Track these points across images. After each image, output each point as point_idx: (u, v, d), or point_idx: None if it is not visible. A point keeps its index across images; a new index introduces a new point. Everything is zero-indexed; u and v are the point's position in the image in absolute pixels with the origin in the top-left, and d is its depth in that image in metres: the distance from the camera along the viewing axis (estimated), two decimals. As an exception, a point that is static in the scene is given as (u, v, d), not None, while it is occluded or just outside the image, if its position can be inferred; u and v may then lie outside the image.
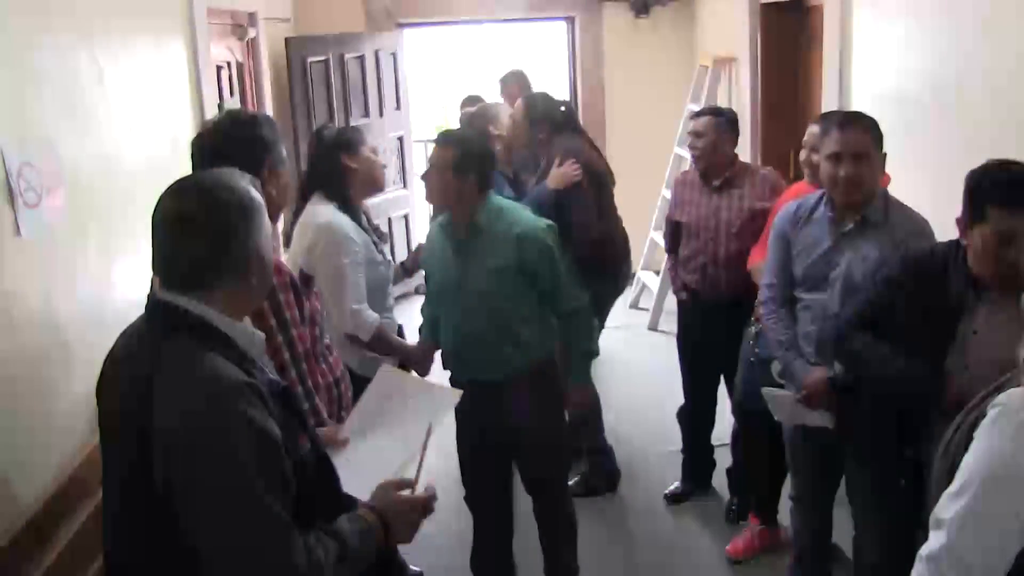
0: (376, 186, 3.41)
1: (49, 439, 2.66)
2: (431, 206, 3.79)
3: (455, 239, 3.13)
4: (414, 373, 2.80)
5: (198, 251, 1.65)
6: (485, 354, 3.12)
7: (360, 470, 2.13)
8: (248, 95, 5.73)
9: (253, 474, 1.55)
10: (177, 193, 1.70)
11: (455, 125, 4.89)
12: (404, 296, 7.04)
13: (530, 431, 3.18)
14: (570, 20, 7.53)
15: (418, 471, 2.00)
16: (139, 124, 3.59)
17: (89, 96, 3.16)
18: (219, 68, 5.15)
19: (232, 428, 1.55)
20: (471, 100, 5.96)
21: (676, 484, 4.33)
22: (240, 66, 5.59)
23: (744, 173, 3.92)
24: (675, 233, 4.08)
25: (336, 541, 1.68)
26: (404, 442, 2.24)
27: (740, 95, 6.00)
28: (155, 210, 1.67)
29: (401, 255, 6.93)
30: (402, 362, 3.27)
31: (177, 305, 1.66)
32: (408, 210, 7.47)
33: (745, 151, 5.63)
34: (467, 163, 3.01)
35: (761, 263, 3.28)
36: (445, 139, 3.11)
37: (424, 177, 3.12)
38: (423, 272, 3.53)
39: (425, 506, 1.91)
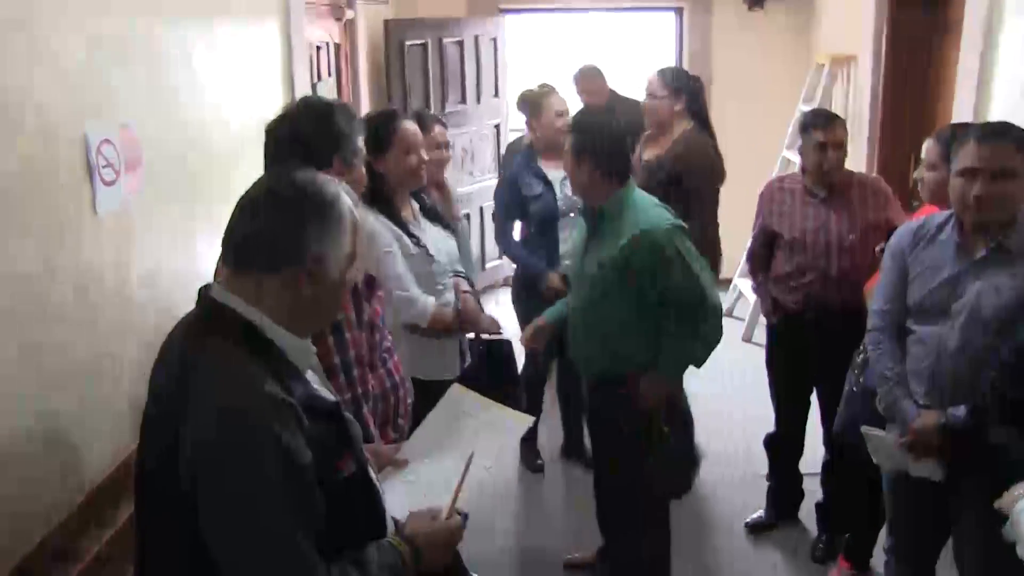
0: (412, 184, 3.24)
1: (113, 423, 2.59)
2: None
3: (588, 225, 3.16)
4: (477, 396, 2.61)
5: (251, 230, 1.60)
6: (582, 346, 3.18)
7: (420, 492, 2.04)
8: (344, 77, 5.64)
9: (277, 498, 1.47)
10: (264, 178, 1.70)
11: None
12: (491, 287, 6.90)
13: (600, 445, 3.23)
14: (679, 11, 7.26)
15: (454, 497, 1.88)
16: (227, 106, 3.52)
17: (175, 77, 3.09)
18: (317, 49, 5.07)
19: (259, 448, 1.47)
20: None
21: (760, 512, 4.07)
22: (337, 48, 5.49)
23: (852, 183, 3.63)
24: (768, 245, 3.79)
25: (360, 572, 1.60)
26: (468, 460, 2.11)
27: (858, 98, 5.64)
28: (243, 194, 1.66)
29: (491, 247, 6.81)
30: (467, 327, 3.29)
31: (227, 304, 1.59)
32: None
33: (859, 162, 5.28)
34: (584, 149, 3.00)
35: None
36: (572, 124, 3.17)
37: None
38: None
39: (455, 532, 1.83)
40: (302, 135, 2.30)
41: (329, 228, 1.62)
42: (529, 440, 4.63)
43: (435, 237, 3.23)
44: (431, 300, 3.09)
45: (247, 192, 1.64)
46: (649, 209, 3.05)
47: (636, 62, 5.59)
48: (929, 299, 2.64)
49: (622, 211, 3.02)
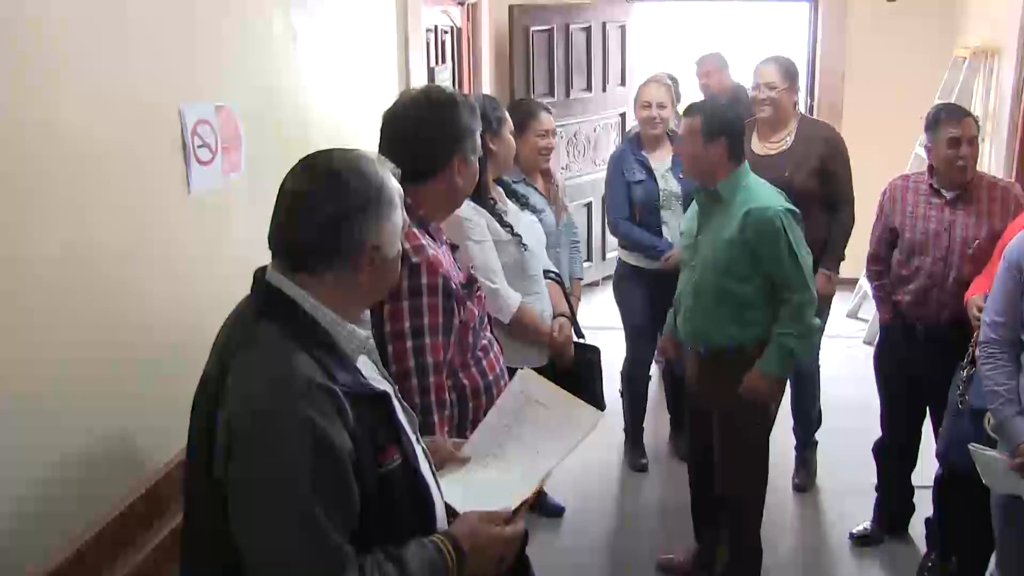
0: (506, 168, 3.25)
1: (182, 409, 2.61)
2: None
3: (702, 206, 3.24)
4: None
5: (307, 232, 1.57)
6: (699, 320, 3.23)
7: (478, 491, 1.95)
8: (465, 63, 5.65)
9: (305, 485, 1.45)
10: (305, 167, 1.64)
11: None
12: (592, 285, 6.81)
13: (723, 413, 3.25)
14: (813, 2, 6.99)
15: (523, 504, 1.81)
16: (335, 89, 3.53)
17: (280, 59, 3.12)
18: (440, 33, 5.09)
19: (290, 431, 1.45)
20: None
21: (865, 524, 3.87)
22: (458, 32, 5.51)
23: (981, 185, 3.40)
24: (890, 246, 3.62)
25: (397, 568, 1.54)
26: (534, 459, 2.04)
27: (1000, 95, 5.32)
28: (284, 178, 1.63)
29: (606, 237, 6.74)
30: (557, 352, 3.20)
31: (280, 289, 1.59)
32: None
33: (996, 164, 4.98)
34: (714, 131, 3.10)
35: (980, 296, 2.80)
36: (689, 109, 3.24)
37: (677, 150, 3.24)
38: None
39: (511, 542, 1.74)
40: (425, 132, 2.23)
41: (381, 215, 1.60)
42: (635, 438, 4.57)
43: (524, 223, 3.18)
44: (517, 297, 3.01)
45: (291, 185, 1.62)
46: (763, 189, 3.18)
47: (766, 53, 5.40)
48: (1048, 313, 2.46)
49: (737, 190, 3.13)
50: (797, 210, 3.14)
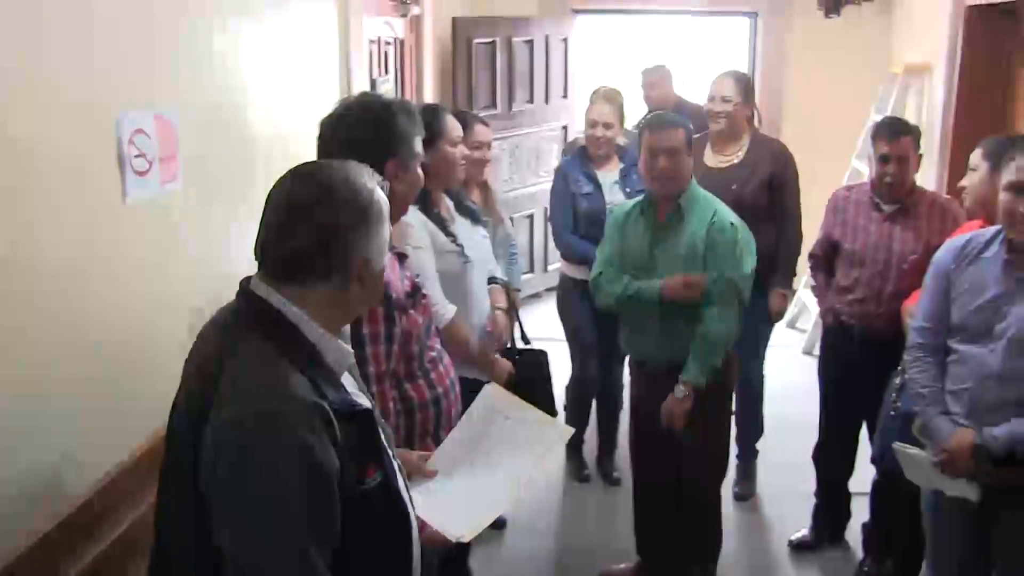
0: (450, 180, 3.18)
1: (138, 417, 2.56)
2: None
3: (654, 223, 3.24)
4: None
5: (298, 244, 1.56)
6: (661, 340, 3.22)
7: (449, 501, 1.98)
8: (408, 74, 5.64)
9: (295, 508, 1.44)
10: (297, 178, 1.62)
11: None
12: (534, 296, 6.82)
13: (690, 423, 3.20)
14: (753, 16, 7.12)
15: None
16: (276, 99, 3.50)
17: (220, 68, 3.08)
18: (383, 45, 5.07)
19: (284, 454, 1.44)
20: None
21: (804, 531, 3.93)
22: (401, 44, 5.50)
23: (922, 201, 3.48)
24: (830, 254, 3.68)
25: None
26: (504, 475, 2.06)
27: (931, 110, 5.45)
28: (273, 187, 1.62)
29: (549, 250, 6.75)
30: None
31: (267, 300, 1.57)
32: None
33: (929, 177, 5.09)
34: (690, 141, 3.22)
35: (915, 305, 2.87)
36: (674, 121, 3.27)
37: (664, 163, 3.15)
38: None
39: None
40: (358, 136, 2.22)
41: (370, 229, 1.60)
42: (576, 449, 4.56)
43: (471, 237, 3.17)
44: (452, 308, 2.97)
45: (278, 196, 1.60)
46: (716, 201, 3.26)
47: (707, 67, 5.48)
48: (972, 319, 2.53)
49: (695, 201, 3.21)
50: (744, 225, 3.22)
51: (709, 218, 3.16)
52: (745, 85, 4.15)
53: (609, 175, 4.29)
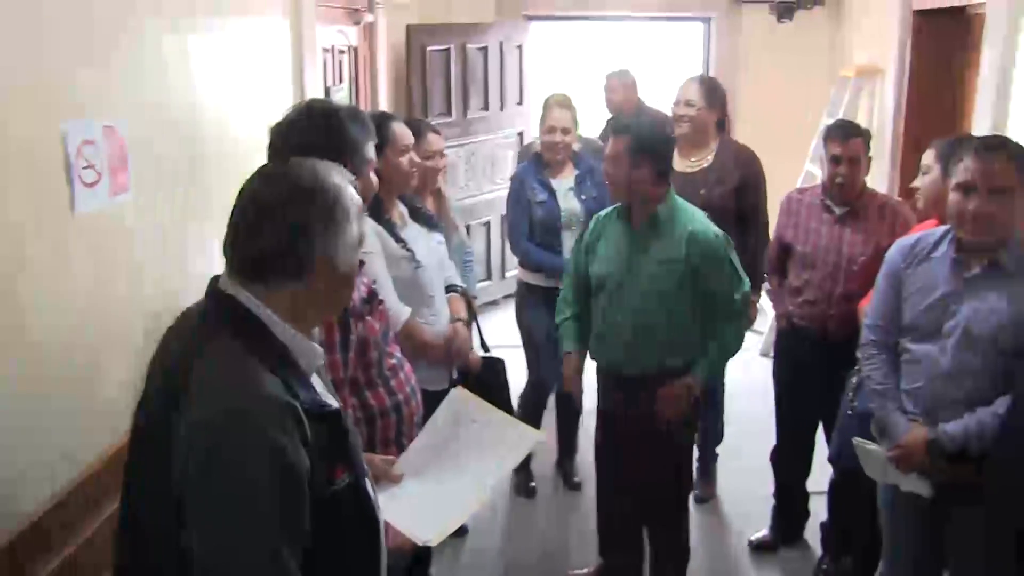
0: (402, 187, 3.18)
1: (85, 428, 2.52)
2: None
3: (630, 229, 3.18)
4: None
5: (265, 244, 1.56)
6: (636, 348, 3.17)
7: (416, 505, 1.98)
8: (362, 82, 5.62)
9: (266, 507, 1.43)
10: (264, 178, 1.63)
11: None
12: (491, 303, 6.82)
13: (656, 434, 3.18)
14: (707, 22, 7.19)
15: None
16: (229, 108, 3.46)
17: (171, 78, 3.04)
18: (336, 53, 5.05)
19: (255, 453, 1.43)
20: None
21: (764, 531, 3.97)
22: (355, 52, 5.48)
23: (872, 204, 3.52)
24: (783, 257, 3.72)
25: None
26: (471, 478, 2.07)
27: (882, 113, 5.52)
28: (241, 188, 1.62)
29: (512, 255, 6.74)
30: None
31: (236, 298, 1.56)
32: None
33: (880, 179, 5.16)
34: (644, 149, 3.07)
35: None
36: (617, 128, 3.20)
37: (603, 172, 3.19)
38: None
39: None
40: (308, 143, 2.18)
41: (336, 226, 1.59)
42: (521, 463, 4.52)
43: (425, 243, 3.16)
44: (406, 311, 2.97)
45: (245, 195, 1.60)
46: (696, 212, 3.19)
47: (663, 72, 5.52)
48: (922, 318, 2.57)
49: (674, 212, 3.14)
50: (727, 236, 3.18)
51: (689, 228, 3.09)
52: (712, 90, 4.14)
53: (564, 182, 4.30)
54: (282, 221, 1.55)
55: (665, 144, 3.20)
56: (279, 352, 1.56)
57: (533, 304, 4.33)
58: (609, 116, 6.03)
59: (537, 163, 4.36)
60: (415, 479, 2.06)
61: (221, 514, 1.43)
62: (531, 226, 4.28)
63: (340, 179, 1.63)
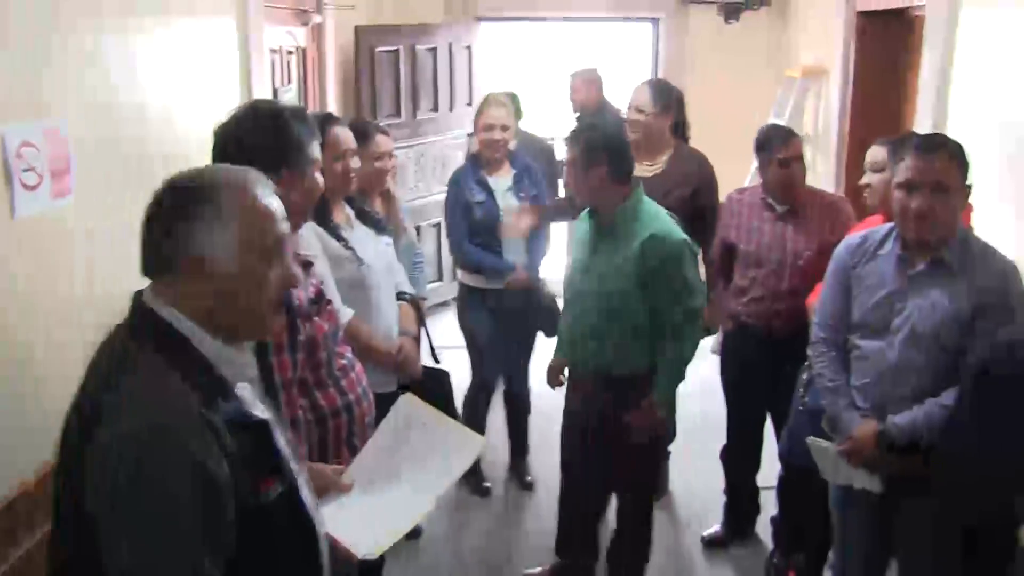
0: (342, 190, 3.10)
1: (23, 441, 2.46)
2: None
3: (593, 231, 3.21)
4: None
5: (142, 245, 1.56)
6: (595, 347, 3.18)
7: (362, 515, 1.96)
8: (311, 83, 5.57)
9: (187, 522, 1.40)
10: (165, 183, 1.61)
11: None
12: (442, 304, 6.79)
13: (621, 432, 3.18)
14: (655, 22, 7.23)
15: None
16: (174, 109, 3.41)
17: (113, 78, 2.99)
18: (284, 54, 5.00)
19: (173, 469, 1.40)
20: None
21: (716, 527, 4.01)
22: (304, 53, 5.43)
23: (813, 201, 3.57)
24: (727, 257, 3.75)
25: None
26: (418, 487, 2.07)
27: (828, 113, 5.60)
28: None
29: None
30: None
31: (160, 315, 1.53)
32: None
33: (827, 178, 5.23)
34: (595, 155, 3.08)
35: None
36: (570, 136, 3.23)
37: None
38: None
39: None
40: (247, 143, 2.17)
41: (203, 225, 1.52)
42: (476, 463, 4.52)
43: (373, 245, 3.13)
44: (348, 312, 2.88)
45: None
46: (660, 215, 3.17)
47: (613, 72, 5.56)
48: (870, 315, 2.61)
49: (636, 215, 3.12)
50: (693, 242, 3.16)
51: (649, 230, 3.07)
52: (664, 95, 4.07)
53: (502, 181, 4.27)
54: (159, 221, 1.55)
55: (619, 145, 3.17)
56: (200, 364, 1.52)
57: (474, 306, 4.32)
58: (576, 114, 6.10)
59: (474, 164, 4.34)
60: (364, 489, 2.05)
61: (142, 530, 1.40)
62: (471, 227, 4.25)
63: (221, 178, 1.59)
